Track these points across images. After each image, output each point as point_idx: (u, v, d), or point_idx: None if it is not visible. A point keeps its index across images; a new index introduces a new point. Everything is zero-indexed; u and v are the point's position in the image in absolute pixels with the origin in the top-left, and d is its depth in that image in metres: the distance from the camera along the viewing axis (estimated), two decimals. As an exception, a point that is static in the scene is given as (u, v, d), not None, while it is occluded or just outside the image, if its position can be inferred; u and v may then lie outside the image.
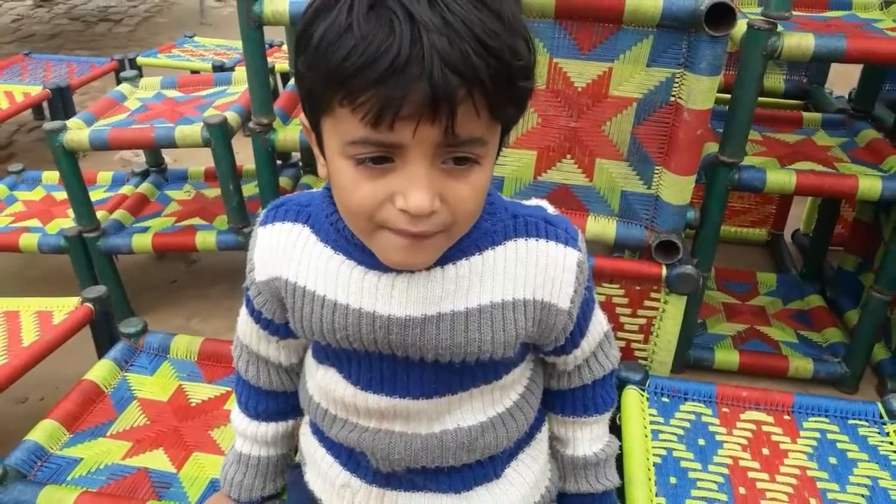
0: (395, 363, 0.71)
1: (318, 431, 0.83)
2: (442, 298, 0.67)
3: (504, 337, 0.69)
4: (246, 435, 0.89)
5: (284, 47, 2.80)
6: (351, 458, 0.80)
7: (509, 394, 0.78)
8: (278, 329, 0.80)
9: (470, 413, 0.75)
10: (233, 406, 1.20)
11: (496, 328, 0.68)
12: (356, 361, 0.73)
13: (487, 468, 0.79)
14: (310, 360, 0.81)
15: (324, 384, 0.77)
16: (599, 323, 0.80)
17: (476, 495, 0.79)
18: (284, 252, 0.72)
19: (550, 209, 0.74)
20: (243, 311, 0.82)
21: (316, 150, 0.66)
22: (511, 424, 0.77)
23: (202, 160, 2.28)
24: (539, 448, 0.85)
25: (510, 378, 0.77)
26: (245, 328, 0.83)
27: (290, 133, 1.61)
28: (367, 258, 0.67)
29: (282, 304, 0.75)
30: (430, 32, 0.51)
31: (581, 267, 0.71)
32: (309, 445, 0.85)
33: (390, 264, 0.64)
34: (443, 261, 0.67)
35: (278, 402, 0.88)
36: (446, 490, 0.78)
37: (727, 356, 1.68)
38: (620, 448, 0.97)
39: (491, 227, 0.69)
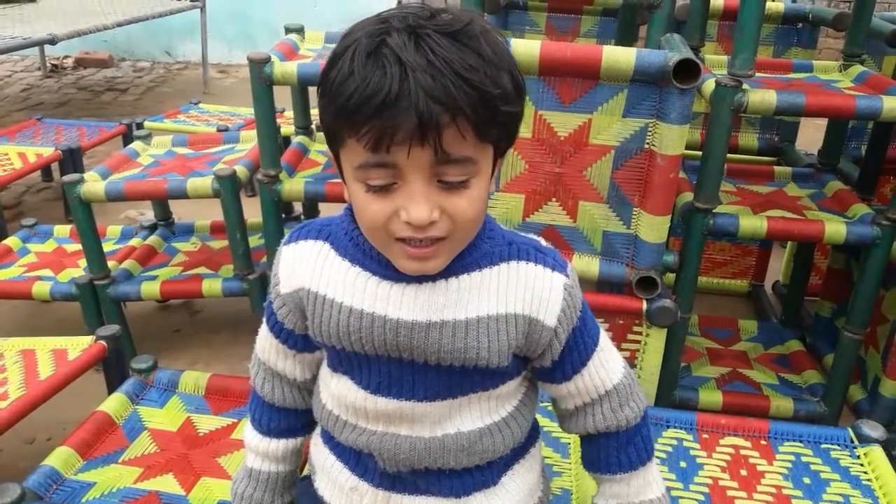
0: (402, 367, 0.79)
1: (329, 440, 0.90)
2: (445, 307, 0.76)
3: (498, 346, 0.77)
4: (257, 451, 0.95)
5: (286, 113, 2.94)
6: (359, 463, 0.86)
7: (505, 405, 0.85)
8: (296, 342, 0.87)
9: (469, 419, 0.82)
10: (239, 435, 1.28)
11: (491, 338, 0.77)
12: (367, 366, 0.81)
13: (485, 475, 0.85)
14: (324, 372, 0.88)
15: (337, 391, 0.84)
16: (605, 370, 0.84)
17: (474, 500, 0.85)
18: (307, 265, 0.81)
19: (543, 242, 0.83)
20: (263, 328, 0.90)
21: (341, 177, 0.76)
22: (507, 433, 0.84)
23: (206, 218, 2.39)
24: (533, 461, 0.91)
25: (505, 389, 0.84)
26: (264, 344, 0.91)
27: (296, 185, 1.72)
28: (380, 269, 0.77)
29: (303, 315, 0.83)
30: (415, 71, 0.62)
31: (569, 291, 0.79)
32: (319, 455, 0.91)
33: (405, 271, 0.73)
34: (447, 274, 0.76)
35: (289, 419, 0.94)
36: (447, 494, 0.84)
37: (711, 396, 1.75)
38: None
39: (490, 249, 0.78)
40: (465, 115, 0.64)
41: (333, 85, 0.66)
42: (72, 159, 2.80)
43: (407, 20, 0.65)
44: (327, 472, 0.89)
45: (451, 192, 0.68)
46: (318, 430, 0.94)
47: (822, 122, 1.97)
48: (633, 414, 0.86)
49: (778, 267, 2.43)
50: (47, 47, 5.05)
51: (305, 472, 0.98)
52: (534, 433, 0.92)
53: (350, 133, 0.66)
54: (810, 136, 2.57)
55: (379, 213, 0.69)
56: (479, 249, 0.77)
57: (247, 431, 0.97)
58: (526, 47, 1.29)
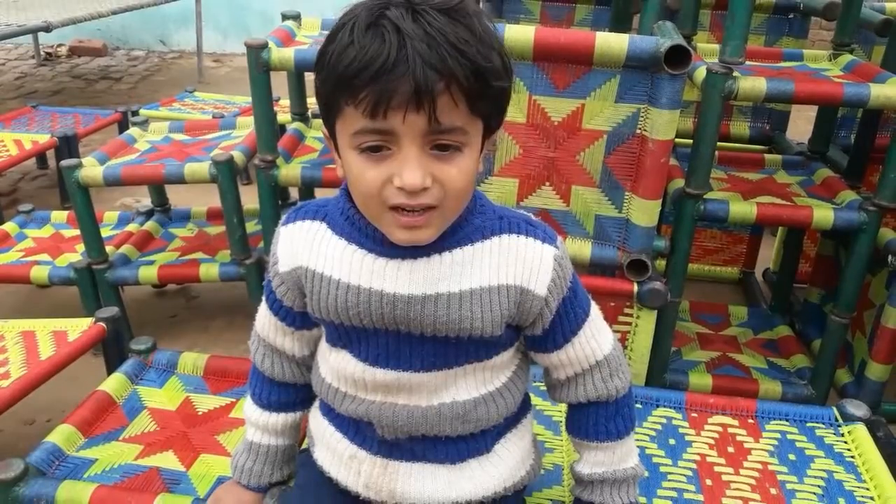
0: (399, 339, 0.82)
1: (328, 412, 0.92)
2: (439, 281, 0.79)
3: (491, 316, 0.80)
4: (257, 425, 0.98)
5: (282, 101, 2.95)
6: (357, 432, 0.89)
7: (499, 376, 0.88)
8: (295, 319, 0.90)
9: (464, 389, 0.85)
10: (237, 414, 1.30)
11: (484, 308, 0.80)
12: (365, 339, 0.83)
13: (479, 442, 0.89)
14: (323, 347, 0.91)
15: (336, 365, 0.87)
16: (596, 341, 0.87)
17: (468, 466, 0.88)
18: (305, 245, 0.84)
19: (533, 217, 0.85)
20: (263, 306, 0.93)
21: (335, 155, 0.79)
22: (500, 402, 0.88)
23: (202, 205, 2.40)
24: (525, 430, 0.95)
25: (499, 360, 0.87)
26: (264, 321, 0.93)
27: (292, 170, 1.74)
28: (376, 246, 0.79)
29: (301, 292, 0.86)
30: (412, 40, 0.66)
31: (559, 262, 0.82)
32: (318, 426, 0.94)
33: (397, 241, 0.76)
34: (440, 249, 0.79)
35: (289, 393, 0.97)
36: (443, 460, 0.87)
37: (701, 379, 1.78)
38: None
39: (481, 223, 0.81)
40: (458, 83, 0.67)
41: (332, 56, 0.69)
42: (68, 146, 2.79)
43: None
44: (326, 442, 0.92)
45: (443, 161, 0.71)
46: (316, 404, 0.97)
47: (813, 114, 2.00)
48: (622, 385, 0.90)
49: (768, 255, 2.46)
50: (41, 35, 5.04)
51: (304, 445, 1.01)
52: (526, 405, 0.95)
53: (348, 100, 0.69)
54: (801, 128, 2.60)
55: (374, 180, 0.71)
56: (471, 224, 0.80)
57: (247, 406, 1.00)
58: (521, 32, 1.31)
